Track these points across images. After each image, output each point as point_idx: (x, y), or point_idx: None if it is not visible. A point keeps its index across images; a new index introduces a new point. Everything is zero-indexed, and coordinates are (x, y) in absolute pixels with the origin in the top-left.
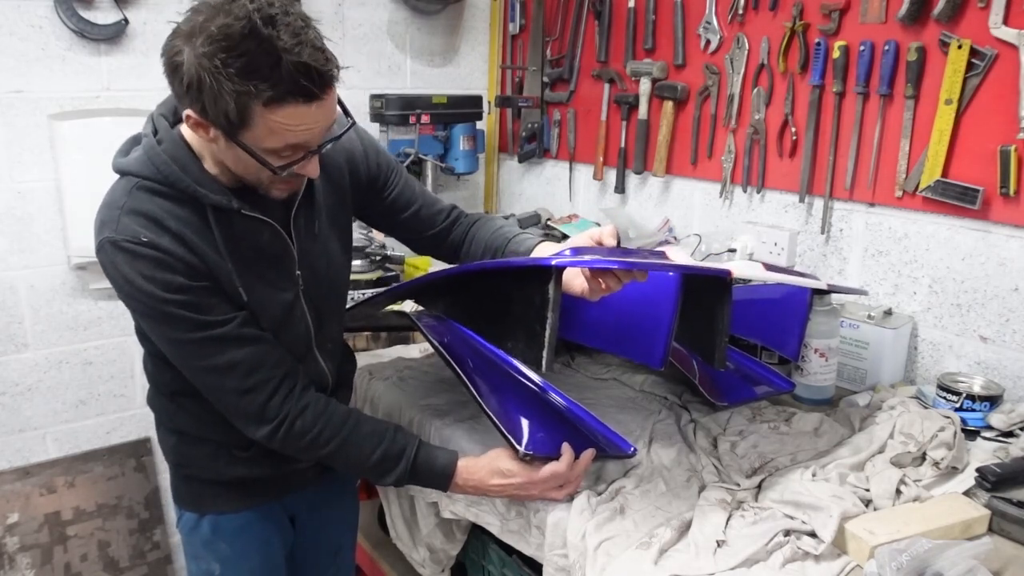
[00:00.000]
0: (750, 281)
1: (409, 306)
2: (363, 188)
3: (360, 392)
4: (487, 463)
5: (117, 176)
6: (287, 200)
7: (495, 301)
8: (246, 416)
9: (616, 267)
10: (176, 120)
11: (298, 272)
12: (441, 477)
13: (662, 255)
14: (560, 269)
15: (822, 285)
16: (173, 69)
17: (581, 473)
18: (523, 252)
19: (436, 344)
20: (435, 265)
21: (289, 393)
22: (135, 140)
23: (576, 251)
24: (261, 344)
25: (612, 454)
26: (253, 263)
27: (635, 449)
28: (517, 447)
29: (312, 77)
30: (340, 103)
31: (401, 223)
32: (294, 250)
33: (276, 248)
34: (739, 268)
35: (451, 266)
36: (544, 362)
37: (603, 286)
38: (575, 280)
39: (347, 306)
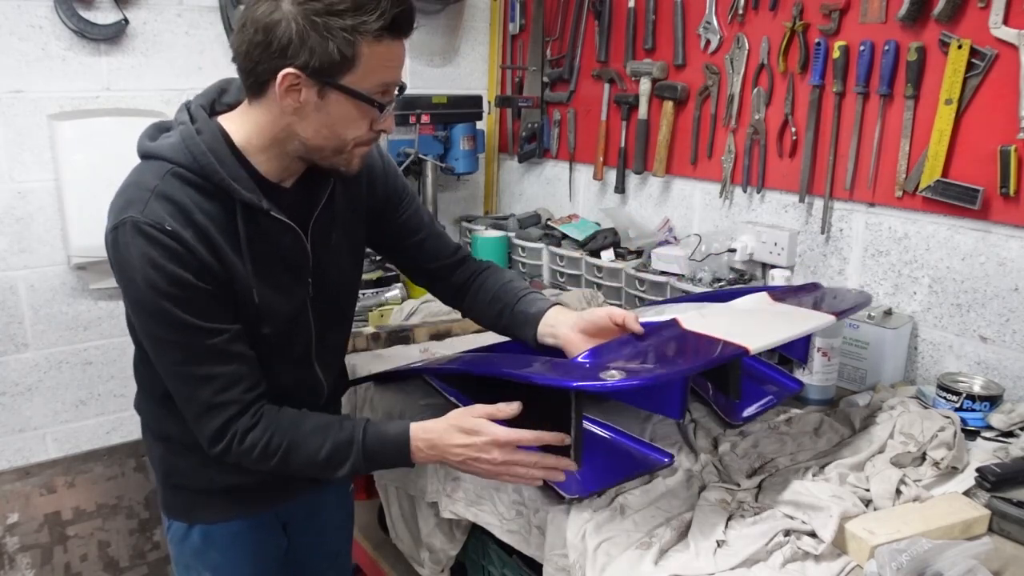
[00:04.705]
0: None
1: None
2: (379, 205)
3: (360, 393)
4: (444, 421)
5: (140, 160)
6: (308, 205)
7: (517, 395)
8: (205, 431)
9: (638, 385)
10: (214, 112)
11: (309, 279)
12: (396, 446)
13: (675, 324)
14: (581, 392)
15: (831, 320)
16: (268, 29)
17: (545, 461)
18: (533, 314)
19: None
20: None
21: (252, 413)
22: (160, 127)
23: (595, 353)
24: (243, 364)
25: (652, 468)
26: (269, 266)
27: (672, 457)
28: (563, 494)
29: (406, 13)
30: None
31: (407, 248)
32: (310, 257)
33: (294, 253)
34: (752, 326)
35: (467, 353)
36: (573, 459)
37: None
38: (582, 346)
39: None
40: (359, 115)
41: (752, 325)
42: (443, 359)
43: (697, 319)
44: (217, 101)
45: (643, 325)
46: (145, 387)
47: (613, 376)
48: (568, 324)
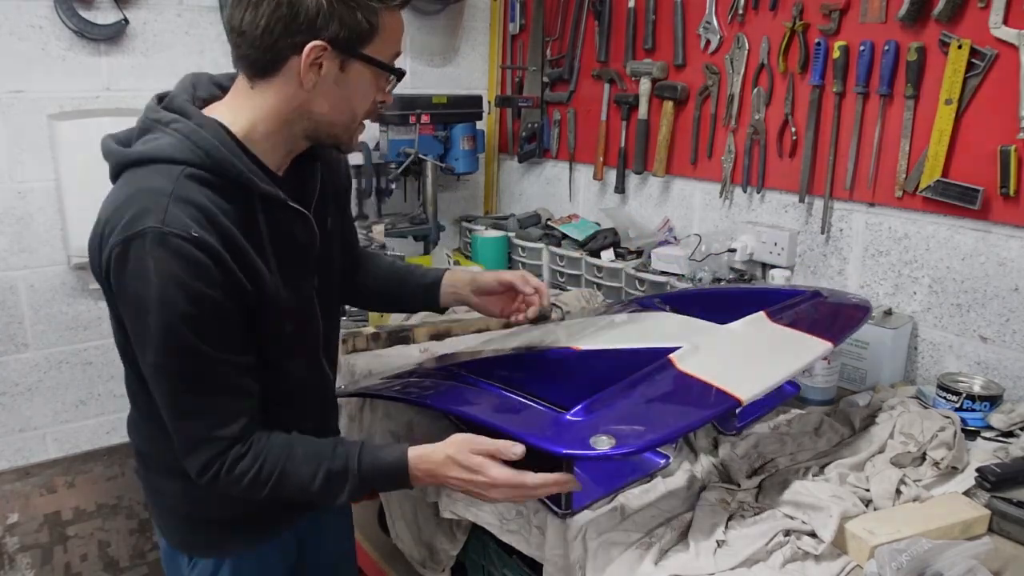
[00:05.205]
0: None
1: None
2: (340, 194)
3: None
4: (443, 450)
5: (128, 169)
6: (304, 192)
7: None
8: (193, 461)
9: (629, 453)
10: (199, 105)
11: (315, 270)
12: (393, 474)
13: (667, 365)
14: (571, 459)
15: (828, 348)
16: (294, 2)
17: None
18: (429, 283)
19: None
20: None
21: (243, 444)
22: (121, 138)
23: (587, 408)
24: (245, 399)
25: (649, 470)
26: (286, 261)
27: (668, 458)
28: (556, 510)
29: None
30: None
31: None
32: (318, 245)
33: (306, 242)
34: (748, 363)
35: (457, 368)
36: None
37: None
38: (490, 307)
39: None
40: (373, 86)
41: (748, 361)
42: (430, 384)
43: (691, 355)
44: (194, 96)
45: (636, 353)
46: (147, 411)
47: (603, 443)
48: (468, 289)
